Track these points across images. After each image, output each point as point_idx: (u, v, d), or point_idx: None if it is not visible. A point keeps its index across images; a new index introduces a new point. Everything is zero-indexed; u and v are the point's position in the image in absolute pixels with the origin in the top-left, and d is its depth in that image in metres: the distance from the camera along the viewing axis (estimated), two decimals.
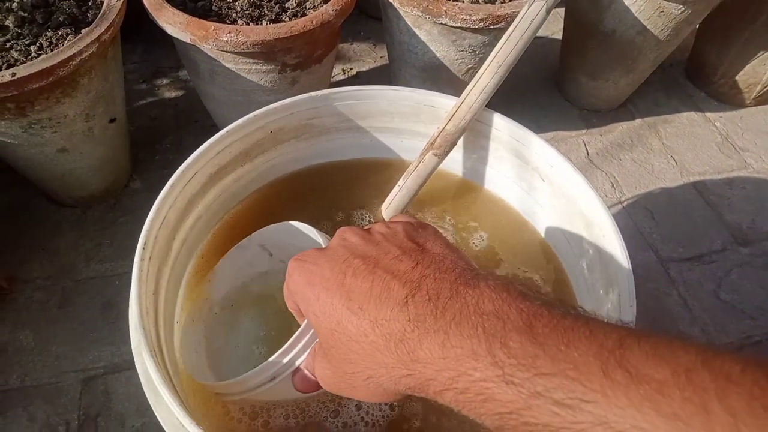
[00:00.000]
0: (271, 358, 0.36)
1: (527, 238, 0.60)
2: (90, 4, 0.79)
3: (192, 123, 1.04)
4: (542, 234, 0.60)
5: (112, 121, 0.82)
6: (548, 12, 0.53)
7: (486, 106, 0.57)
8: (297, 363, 0.36)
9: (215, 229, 0.57)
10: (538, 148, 0.55)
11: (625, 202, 1.01)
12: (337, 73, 1.19)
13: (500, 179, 0.61)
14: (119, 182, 0.93)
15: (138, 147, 0.99)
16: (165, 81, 1.11)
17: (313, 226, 0.45)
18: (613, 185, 1.04)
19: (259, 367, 0.36)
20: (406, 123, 0.62)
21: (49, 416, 0.73)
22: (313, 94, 0.57)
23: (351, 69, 1.20)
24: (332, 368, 0.30)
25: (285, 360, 0.36)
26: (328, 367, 0.30)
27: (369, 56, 1.23)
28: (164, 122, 1.04)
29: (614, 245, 0.48)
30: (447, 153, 0.57)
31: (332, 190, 0.64)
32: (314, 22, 0.76)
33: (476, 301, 0.25)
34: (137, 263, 0.44)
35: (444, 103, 0.59)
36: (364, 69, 1.20)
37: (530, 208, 0.60)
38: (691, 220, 0.98)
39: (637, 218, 0.99)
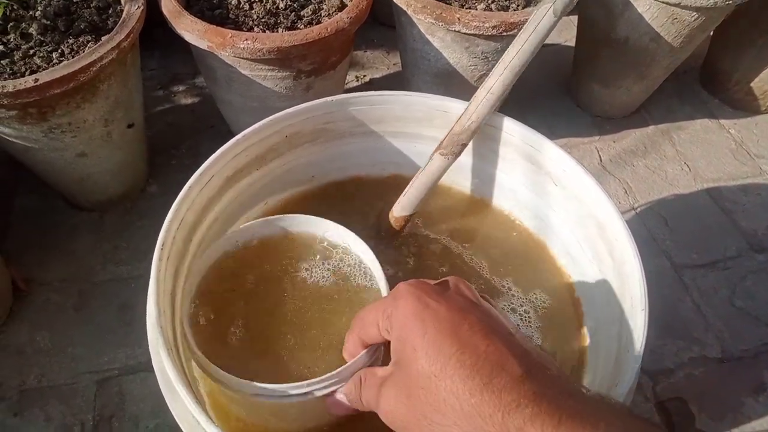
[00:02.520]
0: (316, 378, 0.37)
1: (537, 256, 0.60)
2: (110, 12, 0.81)
3: (208, 129, 1.05)
4: (553, 247, 0.60)
5: (130, 126, 0.84)
6: (556, 15, 0.54)
7: (499, 113, 0.57)
8: (333, 388, 0.37)
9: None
10: (551, 152, 0.56)
11: (639, 209, 1.01)
12: (351, 79, 1.20)
13: (512, 186, 0.62)
14: (136, 186, 0.94)
15: (155, 152, 1.00)
16: (182, 87, 1.13)
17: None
18: (626, 191, 1.04)
19: (300, 383, 0.37)
20: (420, 128, 0.62)
21: (65, 416, 0.74)
22: (328, 99, 0.58)
23: (364, 76, 1.21)
24: (412, 409, 0.28)
25: (325, 384, 0.37)
26: (407, 405, 0.29)
27: (382, 63, 1.24)
28: (181, 128, 1.06)
29: (626, 248, 0.48)
30: (456, 154, 0.57)
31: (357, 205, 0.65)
32: (329, 30, 0.77)
33: (591, 404, 0.25)
34: (155, 263, 0.45)
35: (457, 108, 0.60)
36: (377, 76, 1.21)
37: (543, 212, 0.60)
38: (706, 227, 0.98)
39: (651, 225, 0.98)
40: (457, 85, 0.94)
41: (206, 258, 0.45)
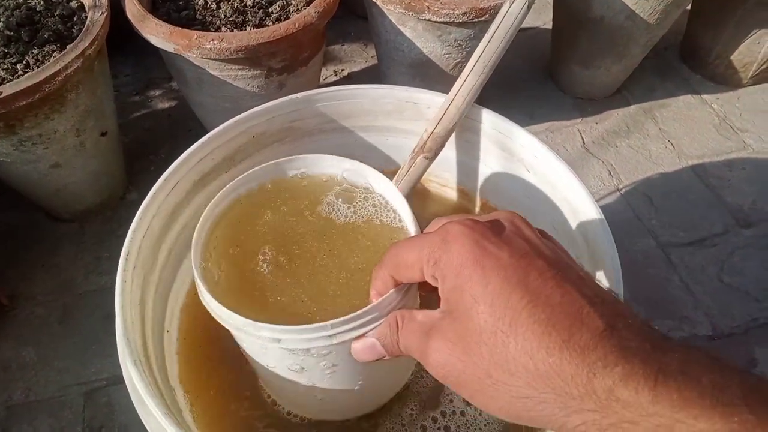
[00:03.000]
0: (341, 318, 0.33)
1: None
2: (75, 20, 0.79)
3: (186, 132, 1.04)
4: None
5: (103, 134, 0.83)
6: (530, 7, 0.53)
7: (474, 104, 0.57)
8: (364, 330, 0.33)
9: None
10: (522, 139, 0.55)
11: (623, 190, 1.01)
12: (329, 74, 1.19)
13: (487, 174, 0.61)
14: (115, 195, 0.93)
15: (133, 158, 0.99)
16: (158, 92, 1.12)
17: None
18: (610, 173, 1.03)
19: (324, 323, 0.33)
20: (390, 121, 0.62)
21: (54, 430, 0.73)
22: (293, 96, 0.57)
23: (342, 70, 1.20)
24: (472, 366, 0.25)
25: (355, 324, 0.33)
26: (465, 361, 0.26)
27: (360, 56, 1.23)
28: (158, 133, 1.05)
29: (599, 232, 0.48)
30: (437, 154, 0.57)
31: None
32: (297, 25, 0.76)
33: (684, 356, 0.22)
34: (120, 274, 0.44)
35: (426, 99, 0.59)
36: (355, 69, 1.20)
37: (519, 200, 0.59)
38: (691, 204, 0.97)
39: (636, 205, 0.98)
40: (434, 75, 0.93)
41: (215, 205, 0.42)
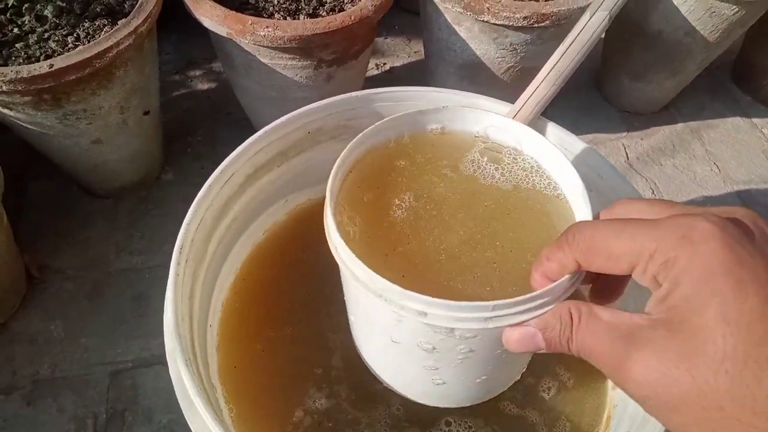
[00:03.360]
0: (505, 300, 0.29)
1: None
2: None
3: (225, 116, 1.03)
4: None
5: (146, 113, 0.82)
6: (611, 20, 0.51)
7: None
8: (526, 318, 0.30)
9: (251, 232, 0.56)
10: (589, 158, 0.53)
11: None
12: (371, 67, 1.17)
13: None
14: (152, 174, 0.93)
15: (170, 139, 0.98)
16: (198, 72, 1.10)
17: None
18: (653, 191, 1.01)
19: (486, 302, 0.29)
20: None
21: (78, 408, 0.73)
22: (352, 94, 0.55)
23: (384, 64, 1.18)
24: (695, 392, 0.21)
25: (522, 308, 0.30)
26: (687, 385, 0.22)
27: (403, 51, 1.21)
28: (197, 114, 1.03)
29: None
30: None
31: None
32: (353, 18, 0.74)
33: None
34: (174, 267, 0.43)
35: (488, 106, 0.57)
36: (397, 64, 1.18)
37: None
38: None
39: None
40: (484, 78, 0.91)
41: (348, 153, 0.38)
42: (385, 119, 0.40)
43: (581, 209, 0.36)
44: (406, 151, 0.40)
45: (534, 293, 0.29)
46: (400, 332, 0.34)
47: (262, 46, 0.73)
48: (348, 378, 0.52)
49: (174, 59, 1.12)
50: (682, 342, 0.22)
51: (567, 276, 0.29)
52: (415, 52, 1.20)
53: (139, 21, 0.71)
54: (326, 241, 0.36)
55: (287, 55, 0.75)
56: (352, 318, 0.41)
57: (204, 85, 1.09)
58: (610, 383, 0.52)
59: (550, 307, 0.30)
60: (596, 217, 0.32)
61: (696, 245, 0.22)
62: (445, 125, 0.41)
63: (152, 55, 0.79)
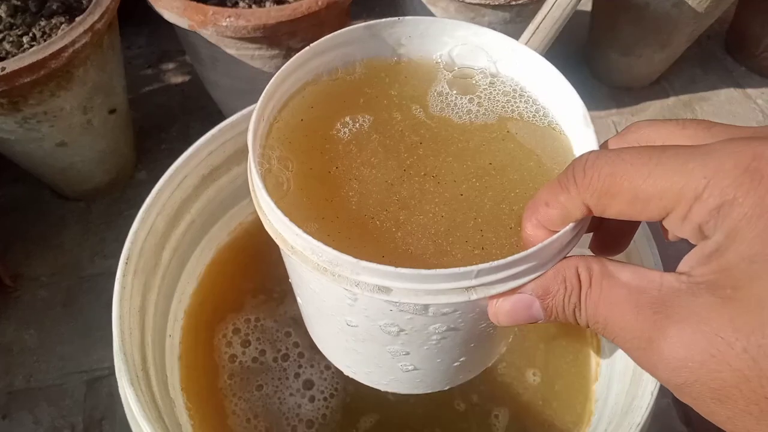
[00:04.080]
0: (491, 263, 0.23)
1: None
2: None
3: (199, 110, 1.00)
4: None
5: (112, 112, 0.79)
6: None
7: None
8: (518, 283, 0.24)
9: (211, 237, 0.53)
10: None
11: None
12: None
13: None
14: (124, 174, 0.90)
15: (143, 136, 0.95)
16: (171, 66, 1.07)
17: None
18: None
19: (467, 268, 0.23)
20: None
21: (54, 419, 0.71)
22: None
23: None
24: (756, 377, 0.17)
25: (509, 272, 0.23)
26: (746, 369, 0.17)
27: None
28: (170, 109, 1.00)
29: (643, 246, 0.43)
30: None
31: None
32: (320, 3, 0.70)
33: None
34: (119, 280, 0.40)
35: None
36: None
37: None
38: None
39: None
40: None
41: (282, 95, 0.31)
42: (323, 39, 0.31)
43: (585, 138, 0.28)
44: (355, 85, 0.32)
45: (528, 251, 0.23)
46: (355, 314, 0.28)
47: (226, 36, 0.70)
48: (320, 380, 0.50)
49: (146, 53, 1.09)
50: (738, 314, 0.17)
51: (570, 225, 0.23)
52: None
53: (96, 17, 0.67)
54: None
55: (253, 45, 0.72)
56: (298, 300, 0.35)
57: (177, 79, 1.05)
58: (592, 374, 0.50)
59: (550, 264, 0.24)
60: (603, 147, 0.25)
61: (766, 182, 0.17)
62: (401, 51, 0.33)
63: (114, 51, 0.75)
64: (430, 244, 0.26)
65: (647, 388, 0.37)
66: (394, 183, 0.28)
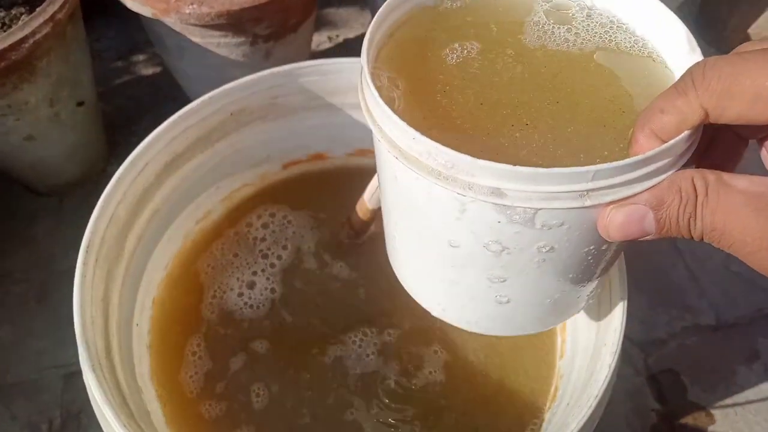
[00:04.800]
0: (610, 164, 0.23)
1: None
2: None
3: (171, 101, 0.99)
4: None
5: (80, 104, 0.78)
6: None
7: None
8: (631, 192, 0.23)
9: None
10: None
11: None
12: (323, 41, 1.13)
13: None
14: (96, 167, 0.89)
15: (115, 129, 0.94)
16: (142, 57, 1.06)
17: None
18: None
19: (583, 168, 0.23)
20: None
21: (31, 414, 0.71)
22: (274, 70, 0.52)
23: (337, 36, 1.14)
24: None
25: (626, 177, 0.23)
26: None
27: (357, 21, 1.16)
28: (142, 101, 0.99)
29: None
30: None
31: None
32: None
33: None
34: (80, 268, 0.40)
35: None
36: (351, 35, 1.14)
37: None
38: None
39: None
40: None
41: (383, 21, 0.32)
42: None
43: (691, 63, 0.27)
44: (460, 13, 0.33)
45: (645, 154, 0.22)
46: (460, 229, 0.28)
47: (190, 24, 0.70)
48: (289, 366, 0.50)
49: (116, 45, 1.08)
50: None
51: (685, 133, 0.22)
52: (368, 22, 1.16)
53: (56, 7, 0.66)
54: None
55: (218, 33, 0.72)
56: (391, 230, 0.34)
57: (148, 70, 1.04)
58: (558, 351, 0.51)
59: (665, 175, 0.23)
60: None
61: None
62: None
63: (78, 42, 0.75)
64: (544, 155, 0.26)
65: (605, 361, 0.38)
66: (500, 103, 0.29)
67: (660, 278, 0.82)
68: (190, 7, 0.67)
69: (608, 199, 0.23)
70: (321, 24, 1.15)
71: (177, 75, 0.85)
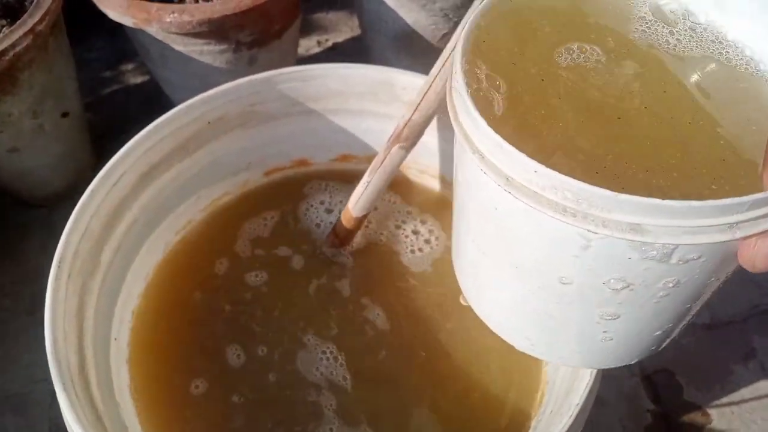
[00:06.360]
0: (757, 196, 0.21)
1: None
2: None
3: (159, 110, 0.96)
4: None
5: (64, 115, 0.78)
6: None
7: None
8: None
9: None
10: None
11: None
12: (312, 45, 1.12)
13: None
14: (84, 178, 0.88)
15: (104, 138, 0.94)
16: (131, 66, 1.05)
17: None
18: None
19: (739, 198, 0.21)
20: (364, 103, 0.57)
21: (20, 428, 0.70)
22: (252, 77, 0.52)
23: (327, 40, 1.14)
24: None
25: None
26: None
27: (346, 25, 1.16)
28: (131, 110, 0.99)
29: None
30: (414, 144, 0.52)
31: None
32: None
33: None
34: (52, 283, 0.40)
35: (403, 80, 0.54)
36: (340, 39, 1.13)
37: None
38: None
39: None
40: (420, 47, 0.86)
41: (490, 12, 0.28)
42: None
43: None
44: (567, 9, 0.30)
45: None
46: (577, 266, 0.25)
47: (172, 33, 0.69)
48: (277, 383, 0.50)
49: (105, 54, 1.07)
50: None
51: None
52: (357, 26, 1.15)
53: (36, 19, 0.66)
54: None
55: (201, 41, 0.71)
56: (473, 256, 0.31)
57: (137, 79, 1.04)
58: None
59: None
60: None
61: None
62: None
63: (61, 53, 0.74)
64: (670, 177, 0.24)
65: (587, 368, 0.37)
66: (621, 116, 0.26)
67: None
68: (171, 15, 0.67)
69: (759, 229, 0.22)
70: (310, 28, 1.15)
71: (163, 84, 0.85)
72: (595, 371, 0.38)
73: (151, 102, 1.00)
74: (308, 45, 1.12)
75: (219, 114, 0.52)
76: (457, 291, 0.35)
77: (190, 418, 0.47)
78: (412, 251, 0.57)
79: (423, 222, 0.59)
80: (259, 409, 0.48)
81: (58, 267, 0.40)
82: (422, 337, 0.51)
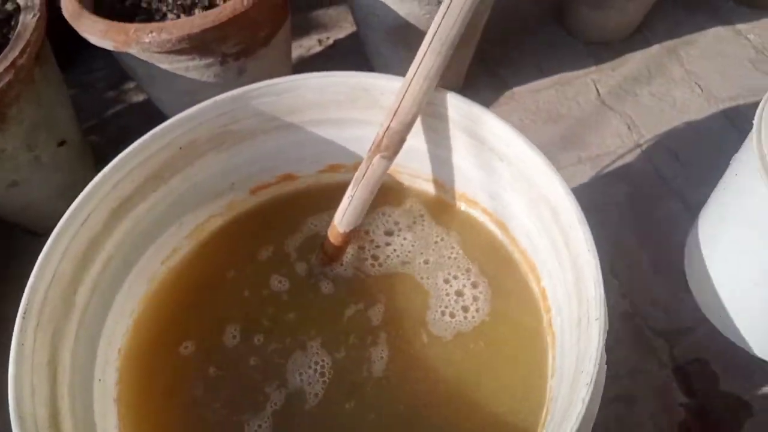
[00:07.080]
0: None
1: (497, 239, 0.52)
2: (12, 24, 0.72)
3: None
4: (513, 230, 0.51)
5: (61, 144, 0.77)
6: None
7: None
8: None
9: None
10: (492, 125, 0.46)
11: (645, 145, 0.89)
12: (313, 44, 1.09)
13: (458, 164, 0.52)
14: None
15: (110, 160, 0.94)
16: (131, 85, 1.05)
17: None
18: (629, 127, 0.91)
19: None
20: (343, 111, 0.54)
21: None
22: (218, 98, 0.50)
23: (328, 38, 1.10)
24: None
25: None
26: None
27: (346, 21, 1.12)
28: (133, 130, 0.96)
29: (580, 240, 0.39)
30: (397, 152, 0.49)
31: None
32: (245, 3, 0.67)
33: None
34: (16, 337, 0.39)
35: (379, 85, 0.51)
36: (341, 36, 1.10)
37: (495, 192, 0.51)
38: (723, 157, 0.85)
39: (659, 161, 0.87)
40: (416, 39, 0.82)
41: None
42: None
43: None
44: None
45: None
46: None
47: (154, 52, 0.67)
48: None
49: (107, 75, 1.07)
50: None
51: None
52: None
53: (17, 53, 0.65)
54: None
55: (185, 57, 0.69)
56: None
57: (139, 97, 1.03)
58: (549, 370, 0.47)
59: None
60: None
61: None
62: None
63: (49, 83, 0.73)
64: None
65: (580, 395, 0.33)
66: None
67: (683, 261, 0.76)
68: (150, 35, 0.65)
69: None
70: (310, 27, 1.12)
71: (155, 102, 0.84)
72: (587, 398, 0.34)
73: (152, 121, 0.98)
74: (309, 44, 1.10)
75: (189, 138, 0.49)
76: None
77: None
78: (443, 313, 0.51)
79: (474, 285, 0.52)
80: None
81: (23, 318, 0.39)
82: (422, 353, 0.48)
